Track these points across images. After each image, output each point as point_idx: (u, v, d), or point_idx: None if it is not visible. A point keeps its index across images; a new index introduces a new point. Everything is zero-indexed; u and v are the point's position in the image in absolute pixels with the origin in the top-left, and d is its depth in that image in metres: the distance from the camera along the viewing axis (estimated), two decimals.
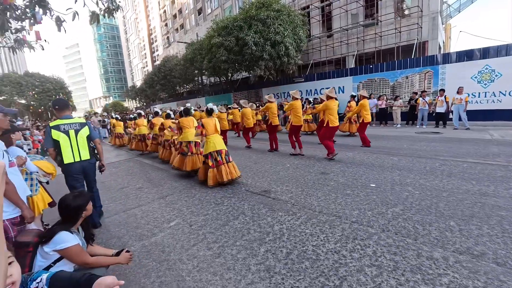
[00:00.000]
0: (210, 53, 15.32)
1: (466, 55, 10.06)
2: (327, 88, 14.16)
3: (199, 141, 5.13)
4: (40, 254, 1.70)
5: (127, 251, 2.18)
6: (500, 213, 2.91)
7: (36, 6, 4.87)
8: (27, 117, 23.31)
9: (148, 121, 8.46)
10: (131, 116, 10.92)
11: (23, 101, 29.16)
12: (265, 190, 4.18)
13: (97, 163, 3.40)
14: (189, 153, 5.22)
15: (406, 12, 15.96)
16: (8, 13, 5.07)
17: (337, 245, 2.51)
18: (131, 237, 3.02)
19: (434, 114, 10.01)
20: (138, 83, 55.78)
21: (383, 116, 11.54)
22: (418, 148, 6.49)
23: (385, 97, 11.38)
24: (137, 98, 41.90)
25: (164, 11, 49.56)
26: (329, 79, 14.48)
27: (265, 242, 2.66)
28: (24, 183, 2.18)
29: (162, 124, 6.79)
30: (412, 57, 13.48)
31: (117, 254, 2.17)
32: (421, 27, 14.44)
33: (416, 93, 10.70)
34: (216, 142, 4.57)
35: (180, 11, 42.19)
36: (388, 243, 2.49)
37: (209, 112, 4.90)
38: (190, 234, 2.94)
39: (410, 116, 11.09)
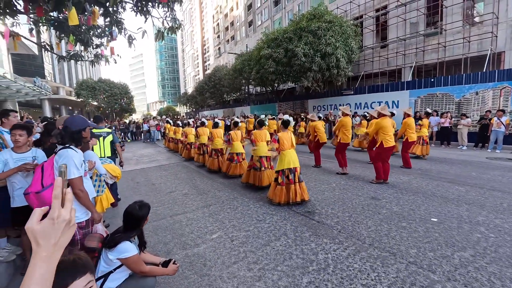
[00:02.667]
0: (259, 64, 15.69)
1: None
2: (379, 102, 13.29)
3: (269, 155, 5.02)
4: (103, 260, 1.85)
5: (174, 263, 2.26)
6: None
7: (113, 25, 5.59)
8: (98, 114, 26.92)
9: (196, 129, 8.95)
10: (179, 123, 11.66)
11: (95, 103, 33.75)
12: (308, 211, 4.01)
13: (117, 159, 4.54)
14: (263, 168, 5.13)
15: (477, 19, 14.18)
16: (91, 32, 5.93)
17: None
18: (175, 244, 3.14)
19: None
20: (190, 90, 60.01)
21: (445, 136, 10.27)
22: (491, 178, 5.56)
23: (449, 115, 10.13)
24: (188, 104, 44.99)
25: (217, 24, 52.83)
26: (382, 93, 13.53)
27: (308, 271, 2.51)
28: (92, 188, 2.44)
29: (210, 133, 7.04)
30: (484, 70, 11.84)
31: (165, 263, 2.27)
32: (496, 36, 12.66)
33: (489, 112, 9.31)
34: (292, 159, 4.22)
35: (232, 23, 44.50)
36: None
37: (285, 125, 4.55)
38: (231, 250, 2.94)
39: (480, 138, 9.64)
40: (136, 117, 50.17)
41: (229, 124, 12.66)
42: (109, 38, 5.94)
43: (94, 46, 6.08)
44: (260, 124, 5.22)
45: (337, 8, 18.98)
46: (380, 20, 17.64)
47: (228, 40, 46.69)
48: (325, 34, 13.17)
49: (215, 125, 7.07)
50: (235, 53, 25.98)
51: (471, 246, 2.85)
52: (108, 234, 2.06)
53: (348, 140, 6.17)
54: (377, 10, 17.52)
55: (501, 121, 8.58)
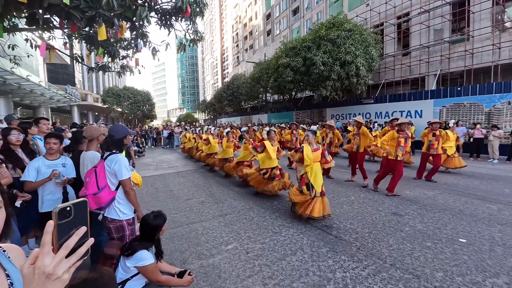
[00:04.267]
0: (277, 73, 15.79)
1: None
2: (401, 112, 12.86)
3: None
4: (121, 267, 1.90)
5: (189, 274, 2.27)
6: None
7: (139, 38, 5.88)
8: (121, 123, 28.27)
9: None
10: (197, 129, 11.88)
11: (119, 109, 35.47)
12: (326, 224, 3.89)
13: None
14: (277, 178, 5.12)
15: (508, 24, 13.44)
16: (118, 44, 6.28)
17: None
18: (191, 253, 3.16)
19: None
20: (208, 97, 61.44)
21: (475, 148, 9.66)
22: None
23: (478, 125, 9.55)
24: (206, 111, 46.01)
25: (237, 33, 54.04)
26: (404, 102, 13.06)
27: None
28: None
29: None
30: None
31: (180, 273, 2.29)
32: None
33: None
34: (317, 173, 4.05)
35: (250, 33, 45.35)
36: None
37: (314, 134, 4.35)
38: (246, 263, 2.91)
39: None
40: (157, 123, 52.02)
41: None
42: (134, 50, 6.26)
43: (121, 58, 6.42)
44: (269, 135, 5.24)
45: (357, 16, 18.78)
46: (401, 27, 17.22)
47: (246, 49, 47.53)
48: (345, 43, 13.04)
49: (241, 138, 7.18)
50: (253, 62, 26.37)
51: (505, 273, 2.62)
52: (126, 242, 2.12)
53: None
54: (399, 17, 17.13)
55: None
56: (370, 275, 2.63)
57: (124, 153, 4.23)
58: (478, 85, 10.72)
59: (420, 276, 2.60)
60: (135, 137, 14.92)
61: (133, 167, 4.76)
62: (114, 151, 2.27)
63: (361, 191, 5.62)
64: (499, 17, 13.74)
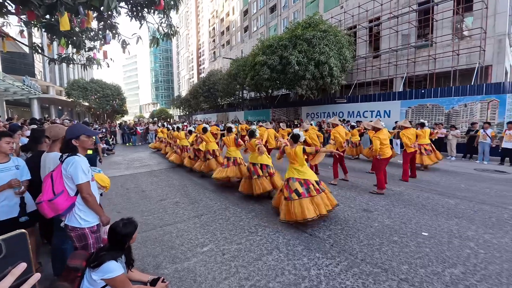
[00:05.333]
0: (253, 70, 15.74)
1: None
2: (372, 112, 13.52)
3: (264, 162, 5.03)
4: (87, 280, 1.77)
5: (163, 281, 2.18)
6: None
7: (107, 29, 5.51)
8: (87, 119, 26.37)
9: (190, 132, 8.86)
10: (171, 126, 11.41)
11: (86, 104, 33.14)
12: (301, 222, 3.97)
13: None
14: (255, 176, 4.99)
15: (466, 33, 14.66)
16: (84, 35, 5.83)
17: None
18: (165, 257, 3.06)
19: (500, 150, 8.78)
20: (184, 93, 59.74)
21: (436, 147, 10.43)
22: (479, 190, 5.67)
23: (441, 126, 10.32)
24: (181, 107, 44.72)
25: (213, 28, 52.99)
26: (374, 102, 13.74)
27: None
28: (97, 192, 2.39)
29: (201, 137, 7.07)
30: (472, 83, 12.20)
31: (153, 281, 2.20)
32: (484, 50, 13.07)
33: (476, 124, 9.57)
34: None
35: (227, 28, 44.72)
36: None
37: (295, 139, 4.08)
38: (222, 265, 2.88)
39: (468, 149, 9.87)
40: (128, 118, 49.54)
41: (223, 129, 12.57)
42: (102, 42, 5.86)
43: (87, 49, 5.97)
44: (251, 135, 5.19)
45: (332, 17, 19.31)
46: (373, 31, 18.03)
47: (223, 45, 46.83)
48: (320, 43, 13.35)
49: (204, 130, 7.03)
50: (230, 58, 26.05)
51: (461, 263, 2.87)
52: (93, 252, 1.98)
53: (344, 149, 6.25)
54: (371, 21, 17.91)
55: (487, 134, 8.83)
56: (343, 271, 2.74)
57: (91, 151, 3.98)
58: (439, 88, 11.59)
59: (387, 270, 2.75)
60: (105, 134, 14.09)
61: (100, 162, 4.51)
62: (70, 153, 2.09)
63: (335, 189, 5.82)
64: (459, 26, 14.93)
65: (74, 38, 5.30)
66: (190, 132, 8.73)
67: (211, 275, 2.69)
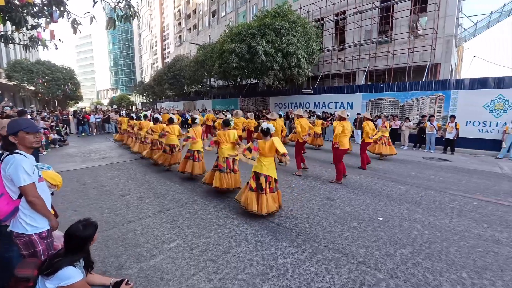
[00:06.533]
0: (222, 58, 15.32)
1: (480, 83, 9.94)
2: (336, 103, 14.15)
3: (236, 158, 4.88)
4: None
5: (127, 283, 2.09)
6: None
7: (53, 6, 4.86)
8: (33, 106, 23.40)
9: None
10: (134, 115, 10.58)
11: (32, 88, 29.34)
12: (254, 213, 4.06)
13: None
14: (228, 170, 4.82)
15: (420, 32, 15.89)
16: (25, 10, 5.07)
17: None
18: (129, 257, 2.92)
19: (443, 140, 9.88)
20: (147, 78, 56.17)
21: (392, 137, 11.36)
22: (426, 177, 6.35)
23: (397, 118, 11.23)
24: (145, 94, 42.10)
25: (179, 10, 50.02)
26: (338, 94, 14.39)
27: (268, 278, 2.55)
28: (49, 193, 2.15)
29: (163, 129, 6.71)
30: (424, 79, 13.38)
31: (116, 284, 2.09)
32: (435, 49, 14.34)
33: (424, 116, 10.59)
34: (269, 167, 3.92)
35: (194, 11, 42.55)
36: None
37: (265, 133, 4.03)
38: (191, 260, 2.84)
39: (418, 139, 10.94)
40: (84, 105, 45.23)
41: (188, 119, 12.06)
42: (48, 20, 5.15)
43: (29, 27, 5.21)
44: (226, 125, 5.06)
45: (300, 8, 19.44)
46: (339, 24, 18.60)
47: (190, 29, 44.61)
48: (288, 34, 13.40)
49: (170, 121, 6.72)
50: (197, 44, 24.93)
51: (410, 243, 3.21)
52: (46, 259, 1.80)
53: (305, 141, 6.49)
54: (337, 14, 18.43)
55: (433, 125, 9.87)
56: (308, 258, 2.89)
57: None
58: (396, 83, 12.52)
59: (347, 254, 2.97)
60: (56, 123, 12.73)
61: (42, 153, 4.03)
62: (9, 151, 1.86)
63: (301, 179, 6.05)
64: (414, 25, 16.09)
65: (13, 13, 4.58)
66: (157, 120, 8.20)
67: (179, 272, 2.65)
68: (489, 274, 2.65)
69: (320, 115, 11.82)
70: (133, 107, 46.68)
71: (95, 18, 4.51)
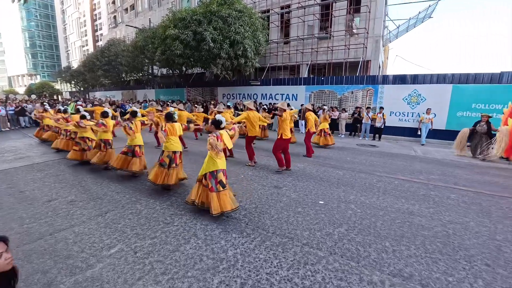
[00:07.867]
0: (164, 45, 14.27)
1: (400, 79, 11.56)
2: (282, 95, 14.71)
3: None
4: None
5: None
6: (423, 232, 3.39)
7: None
8: None
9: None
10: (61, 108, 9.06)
11: None
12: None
13: None
14: (174, 165, 4.58)
15: (355, 31, 17.50)
16: None
17: (290, 272, 2.57)
18: (60, 270, 2.57)
19: (373, 128, 11.27)
20: (75, 63, 48.95)
21: (332, 127, 12.44)
22: (359, 161, 7.18)
23: (336, 109, 12.30)
24: (73, 82, 36.72)
25: None
26: (284, 86, 14.99)
27: (218, 271, 2.57)
28: None
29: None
30: (357, 74, 14.88)
31: None
32: (366, 47, 16.01)
33: (359, 108, 11.87)
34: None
35: None
36: (335, 267, 2.66)
37: (218, 125, 3.82)
38: (135, 264, 2.66)
39: (353, 128, 12.25)
40: None
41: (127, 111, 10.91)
42: None
43: None
44: (168, 118, 4.78)
45: None
46: (284, 18, 19.14)
47: (126, 9, 40.01)
48: (235, 23, 13.23)
49: (104, 115, 6.02)
50: (135, 27, 22.63)
51: (345, 222, 3.62)
52: None
53: (256, 133, 6.59)
54: (282, 8, 18.90)
55: (368, 116, 11.16)
56: (257, 246, 3.00)
57: None
58: (334, 76, 13.65)
59: (293, 238, 3.19)
60: None
61: None
62: None
63: (249, 169, 6.18)
64: (350, 24, 17.60)
65: None
66: (83, 117, 7.19)
67: (122, 278, 2.46)
68: (405, 241, 3.17)
69: (267, 106, 12.17)
70: (59, 96, 40.35)
71: None
